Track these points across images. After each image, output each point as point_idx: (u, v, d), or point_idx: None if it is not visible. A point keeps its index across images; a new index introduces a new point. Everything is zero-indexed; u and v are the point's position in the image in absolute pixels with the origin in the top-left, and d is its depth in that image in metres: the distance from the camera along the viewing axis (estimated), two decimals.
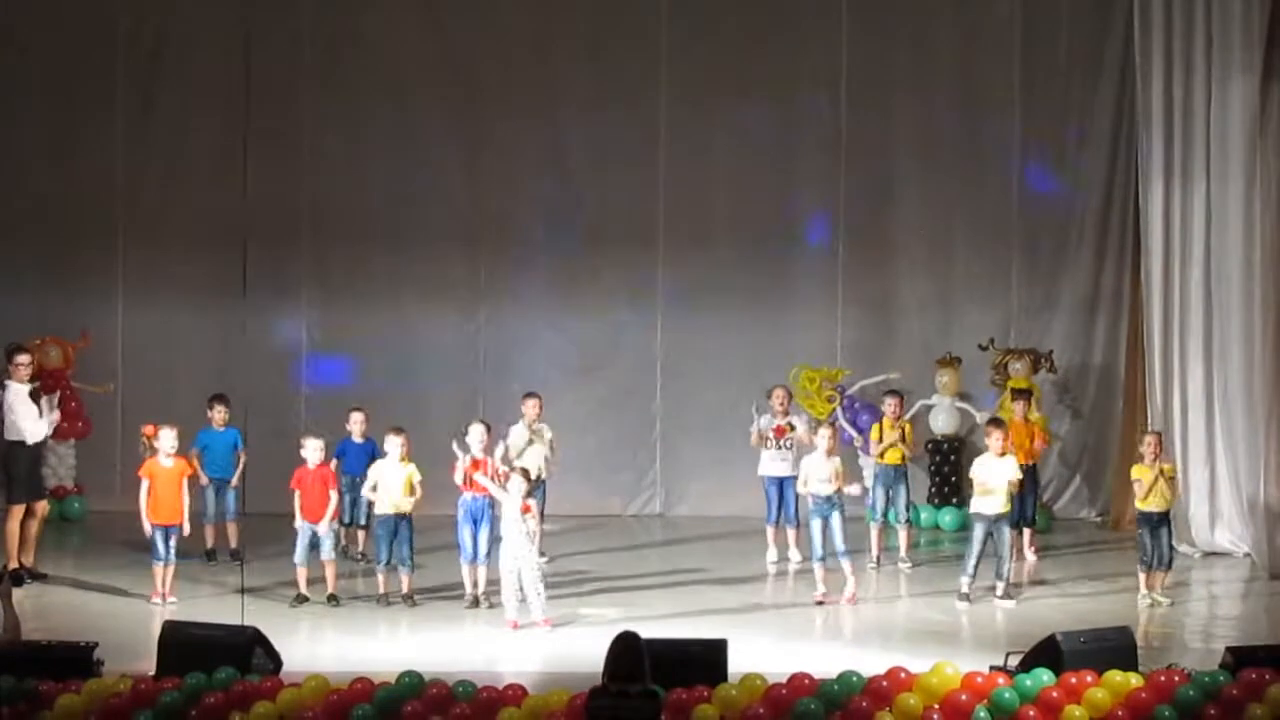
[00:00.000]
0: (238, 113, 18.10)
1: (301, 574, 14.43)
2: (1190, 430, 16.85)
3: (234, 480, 15.96)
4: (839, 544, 14.59)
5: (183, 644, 11.78)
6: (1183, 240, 16.95)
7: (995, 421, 15.34)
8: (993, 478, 14.59)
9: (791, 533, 16.25)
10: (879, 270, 18.96)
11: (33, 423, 15.19)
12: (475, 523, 14.35)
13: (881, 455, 16.43)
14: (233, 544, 15.92)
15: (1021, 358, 18.10)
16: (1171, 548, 14.98)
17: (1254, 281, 16.22)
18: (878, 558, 16.19)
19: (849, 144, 18.83)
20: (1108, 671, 11.43)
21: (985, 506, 14.61)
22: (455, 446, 14.29)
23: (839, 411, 17.73)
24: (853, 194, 18.90)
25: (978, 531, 14.63)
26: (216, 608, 13.80)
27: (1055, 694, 11.23)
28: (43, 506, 15.49)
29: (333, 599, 14.39)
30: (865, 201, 18.90)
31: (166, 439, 14.43)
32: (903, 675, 11.36)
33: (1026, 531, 16.48)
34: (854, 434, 17.47)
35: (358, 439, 15.54)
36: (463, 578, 14.46)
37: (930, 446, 18.33)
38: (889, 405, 16.60)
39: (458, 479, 14.33)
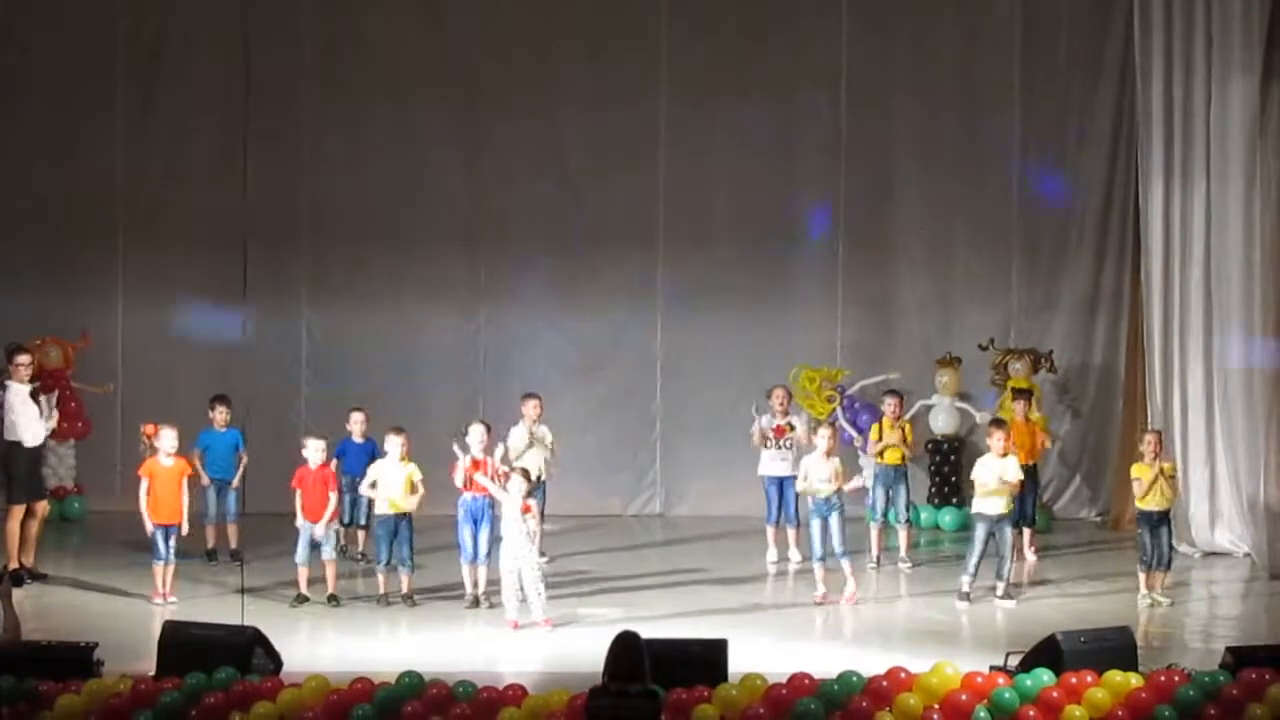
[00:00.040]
0: (238, 113, 18.12)
1: (303, 574, 14.42)
2: (1190, 430, 16.86)
3: (235, 481, 15.95)
4: (838, 544, 14.59)
5: (183, 644, 11.78)
6: (1183, 240, 16.95)
7: (997, 422, 15.35)
8: (994, 478, 14.59)
9: (791, 533, 16.25)
10: (879, 270, 18.96)
11: (34, 424, 15.18)
12: (475, 523, 14.35)
13: (881, 455, 16.43)
14: (233, 544, 15.91)
15: (1021, 358, 18.10)
16: (1171, 547, 14.98)
17: (1254, 282, 16.22)
18: (878, 558, 16.20)
19: (849, 144, 18.84)
20: (1108, 671, 11.43)
21: (987, 506, 14.62)
22: (456, 447, 14.29)
23: (839, 411, 17.73)
24: (853, 194, 18.90)
25: (980, 531, 14.63)
26: (217, 608, 13.80)
27: (1055, 694, 11.23)
28: (43, 507, 15.48)
29: (333, 599, 14.39)
30: (865, 201, 18.91)
31: (167, 438, 14.43)
32: (903, 675, 11.36)
33: (1027, 531, 16.47)
34: (854, 434, 17.46)
35: (358, 439, 15.54)
36: (463, 578, 14.46)
37: (930, 446, 18.34)
38: (889, 405, 16.61)
39: (458, 480, 14.33)
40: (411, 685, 11.16)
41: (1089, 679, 11.34)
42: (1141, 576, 14.75)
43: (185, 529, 14.47)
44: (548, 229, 18.87)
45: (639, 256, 18.85)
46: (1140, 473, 14.65)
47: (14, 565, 14.54)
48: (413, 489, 14.32)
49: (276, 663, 11.98)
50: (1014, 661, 11.82)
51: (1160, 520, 14.66)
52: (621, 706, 8.57)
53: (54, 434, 16.06)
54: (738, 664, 11.54)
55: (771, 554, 16.30)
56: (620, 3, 18.83)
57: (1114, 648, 11.84)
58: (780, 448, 16.20)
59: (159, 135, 18.70)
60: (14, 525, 15.10)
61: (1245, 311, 16.40)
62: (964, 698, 11.17)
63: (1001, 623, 14.20)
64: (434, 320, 18.88)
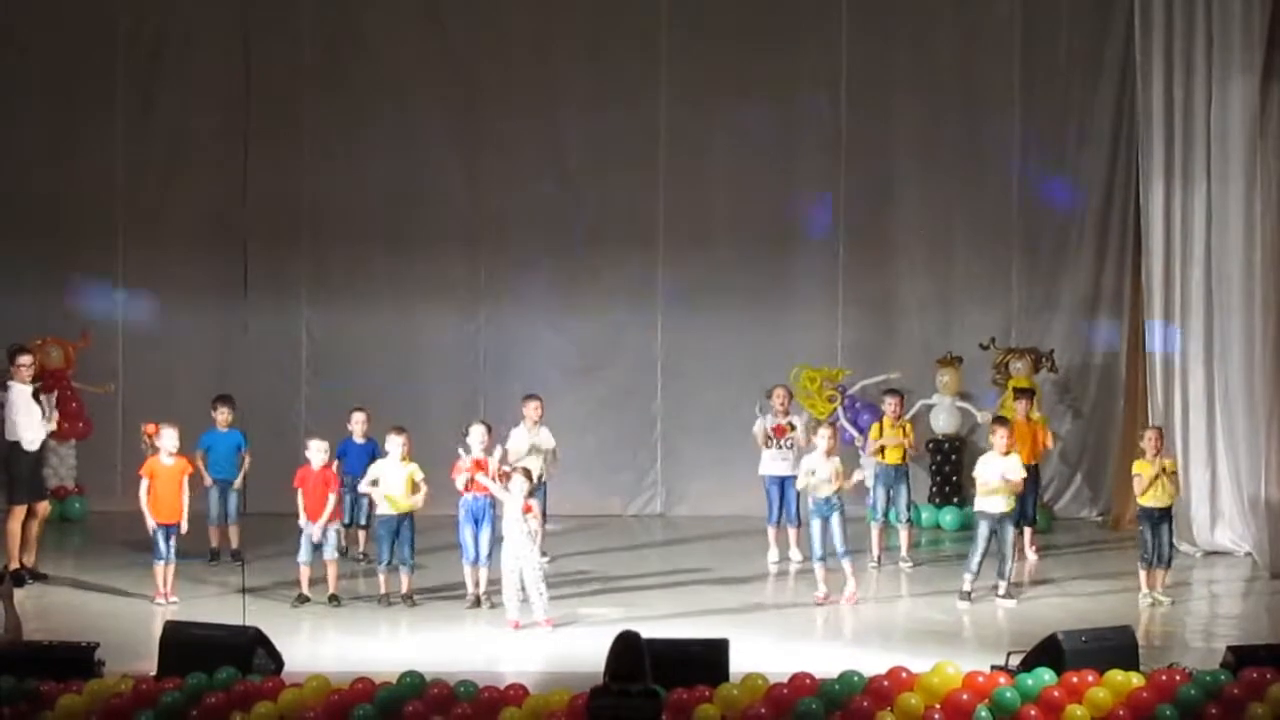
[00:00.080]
0: (238, 113, 18.23)
1: (304, 573, 14.42)
2: (1191, 430, 16.86)
3: (237, 482, 15.93)
4: (839, 544, 14.59)
5: (184, 644, 11.78)
6: (1183, 240, 16.96)
7: (1000, 420, 15.35)
8: (995, 476, 14.58)
9: (792, 532, 16.25)
10: (879, 270, 18.96)
11: (35, 425, 15.16)
12: (476, 523, 14.35)
13: (881, 454, 16.42)
14: (234, 545, 15.90)
15: (1022, 357, 18.11)
16: (1172, 545, 14.99)
17: (1254, 282, 16.22)
18: (878, 557, 16.20)
19: (849, 144, 18.84)
20: (1109, 671, 11.43)
21: (990, 505, 14.61)
22: (460, 450, 14.28)
23: (839, 411, 17.74)
24: (853, 194, 18.90)
25: (982, 530, 14.63)
26: (218, 608, 13.80)
27: (1057, 693, 11.23)
28: (44, 507, 15.47)
29: (334, 599, 14.39)
30: (865, 201, 18.90)
31: (168, 438, 14.43)
32: (904, 675, 11.36)
33: (1027, 531, 16.47)
34: (854, 434, 17.46)
35: (359, 439, 15.53)
36: (464, 578, 14.46)
37: (931, 446, 18.34)
38: (889, 405, 16.61)
39: (459, 483, 14.33)
40: (413, 685, 11.16)
41: (1090, 678, 11.33)
42: (1142, 575, 14.75)
43: (184, 527, 14.46)
44: (548, 229, 18.86)
45: (639, 256, 18.84)
46: (1141, 469, 14.65)
47: (15, 565, 14.56)
48: (414, 488, 14.32)
49: (278, 663, 11.98)
50: (1015, 661, 11.82)
51: (1161, 517, 14.67)
52: (622, 706, 8.56)
53: (54, 434, 16.05)
54: (739, 664, 11.55)
55: (772, 554, 16.31)
56: (620, 3, 18.83)
57: (1115, 647, 11.84)
58: (781, 447, 16.20)
59: (159, 135, 18.69)
60: (15, 525, 15.09)
61: (1245, 311, 16.40)
62: (965, 697, 11.17)
63: (1003, 622, 14.20)
64: (434, 320, 18.88)
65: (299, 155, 18.62)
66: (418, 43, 18.77)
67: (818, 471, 14.58)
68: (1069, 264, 18.83)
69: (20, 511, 15.14)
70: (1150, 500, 14.63)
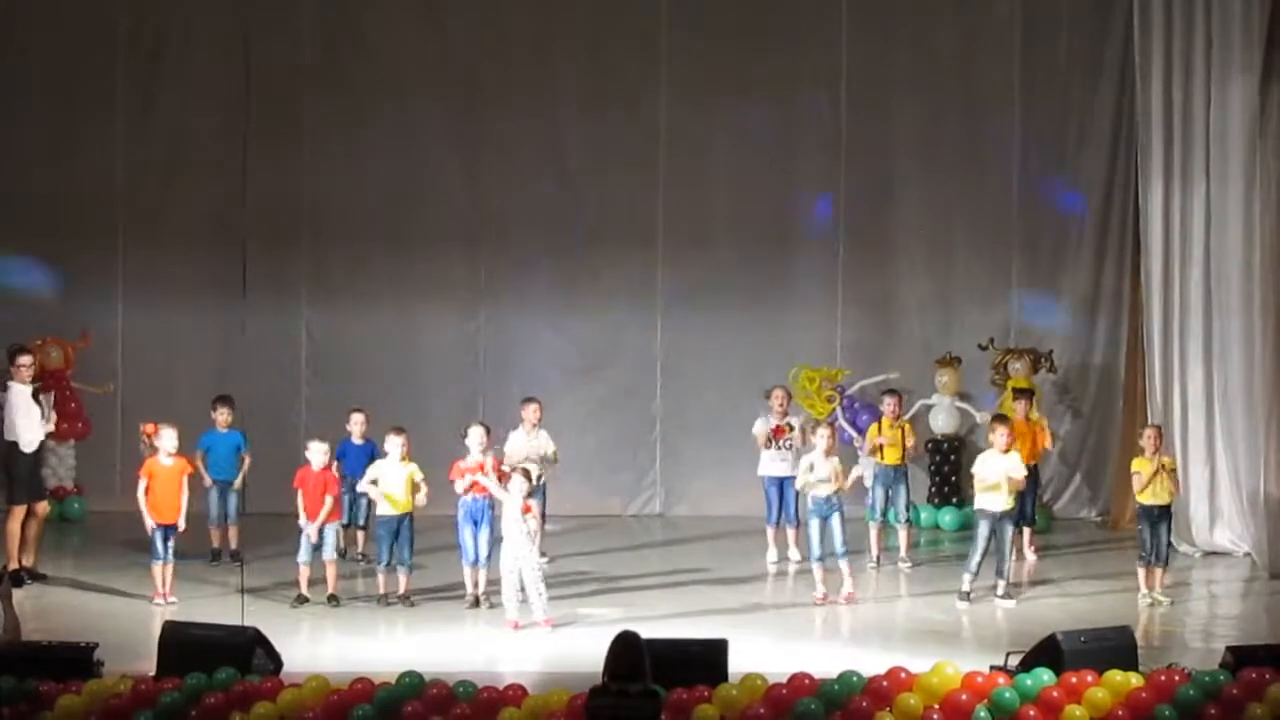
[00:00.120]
0: (238, 113, 18.22)
1: (304, 573, 14.42)
2: (1190, 430, 16.86)
3: (236, 482, 15.93)
4: (838, 545, 14.59)
5: (183, 644, 11.78)
6: (1183, 240, 16.96)
7: (1000, 418, 15.33)
8: (994, 474, 14.57)
9: (791, 533, 16.26)
10: (879, 270, 18.96)
11: (34, 426, 15.15)
12: (475, 524, 14.35)
13: (881, 455, 16.41)
14: (233, 545, 15.90)
15: (1021, 357, 18.10)
16: (1170, 544, 14.99)
17: (1254, 282, 16.22)
18: (878, 558, 16.20)
19: (849, 144, 18.83)
20: (1108, 671, 11.44)
21: (990, 503, 14.61)
22: (479, 455, 14.28)
23: (839, 411, 17.73)
24: (853, 194, 18.90)
25: (982, 528, 14.62)
26: (217, 608, 13.79)
27: (1056, 694, 11.24)
28: (43, 507, 15.46)
29: (333, 599, 14.39)
30: (865, 201, 18.90)
31: (168, 438, 14.42)
32: (903, 675, 11.36)
33: (1026, 531, 16.47)
34: (854, 434, 17.47)
35: (357, 440, 15.53)
36: (464, 578, 14.46)
37: (930, 446, 18.33)
38: (887, 405, 16.60)
39: (458, 487, 14.32)
40: (412, 685, 11.16)
41: (1089, 679, 11.34)
42: (1141, 574, 14.75)
43: (182, 525, 14.45)
44: (548, 229, 18.86)
45: (639, 256, 18.84)
46: (1140, 466, 14.66)
47: (14, 566, 14.57)
48: (414, 489, 14.33)
49: (277, 663, 11.98)
50: (1014, 661, 11.82)
51: (1161, 516, 14.67)
52: (621, 706, 8.57)
53: (53, 434, 16.04)
54: (738, 664, 11.55)
55: (771, 554, 16.31)
56: (620, 3, 18.82)
57: (1114, 647, 11.85)
58: (780, 448, 16.20)
59: (159, 135, 18.68)
60: (14, 526, 15.09)
61: (1245, 312, 16.40)
62: (964, 697, 11.17)
63: (1002, 622, 14.20)
64: (434, 320, 18.87)
65: (299, 155, 18.62)
66: (418, 43, 18.76)
67: (816, 469, 14.57)
68: (1069, 264, 18.83)
69: (19, 512, 15.13)
70: (1149, 498, 14.63)
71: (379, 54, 18.69)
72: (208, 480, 15.79)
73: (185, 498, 14.47)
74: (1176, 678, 11.47)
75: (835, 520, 14.60)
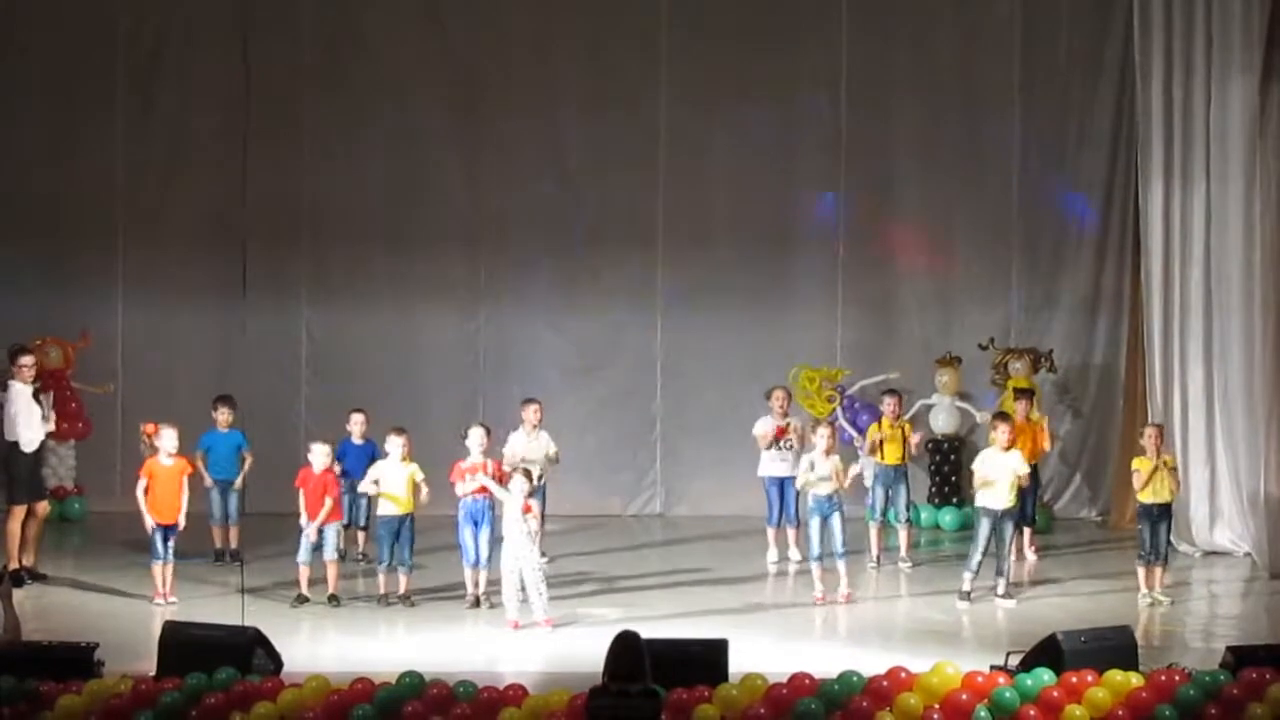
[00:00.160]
0: (238, 113, 18.21)
1: (304, 572, 14.42)
2: (1190, 430, 16.86)
3: (237, 482, 15.92)
4: (838, 545, 14.59)
5: (183, 644, 11.78)
6: (1183, 240, 16.96)
7: (1001, 415, 15.31)
8: (999, 472, 14.56)
9: (792, 533, 16.26)
10: (879, 270, 18.96)
11: (34, 425, 15.15)
12: (476, 524, 14.35)
13: (881, 454, 16.40)
14: (233, 545, 15.90)
15: (1021, 357, 18.10)
16: (1169, 544, 15.00)
17: (1254, 282, 16.22)
18: (878, 557, 16.20)
19: (849, 144, 18.84)
20: (1108, 671, 11.43)
21: (992, 501, 14.60)
22: (479, 456, 14.28)
23: (839, 411, 17.73)
24: (853, 194, 18.90)
25: (983, 527, 14.61)
26: (217, 608, 13.79)
27: (1056, 693, 11.23)
28: (43, 507, 15.46)
29: (333, 599, 14.39)
30: (865, 201, 18.90)
31: (168, 438, 14.41)
32: (903, 675, 11.36)
33: (1027, 531, 16.47)
34: (854, 434, 17.47)
35: (357, 440, 15.52)
36: (464, 579, 14.46)
37: (930, 446, 18.33)
38: (887, 405, 16.60)
39: (459, 490, 14.31)
40: (412, 685, 11.16)
41: (1089, 678, 11.33)
42: (1141, 573, 14.75)
43: (182, 523, 14.44)
44: (548, 229, 18.86)
45: (639, 256, 18.84)
46: (1140, 465, 14.66)
47: (14, 566, 14.56)
48: (415, 489, 14.32)
49: (277, 663, 11.98)
50: (1014, 661, 11.82)
51: (1161, 515, 14.67)
52: (622, 706, 8.57)
53: (54, 434, 16.04)
54: (738, 664, 11.54)
55: (772, 554, 16.31)
56: (620, 3, 18.83)
57: (1114, 647, 11.84)
58: (780, 448, 16.20)
59: (159, 135, 18.69)
60: (14, 526, 15.09)
61: (1245, 311, 16.40)
62: (964, 697, 11.17)
63: (1002, 622, 14.20)
64: (434, 320, 18.88)
65: (299, 155, 18.62)
66: (418, 43, 18.76)
67: (817, 467, 14.57)
68: (1069, 264, 18.84)
69: (20, 512, 15.13)
70: (1149, 497, 14.62)
71: (379, 54, 18.70)
72: (208, 480, 15.79)
73: (185, 498, 14.47)
74: (1177, 678, 11.47)
75: (835, 519, 14.61)
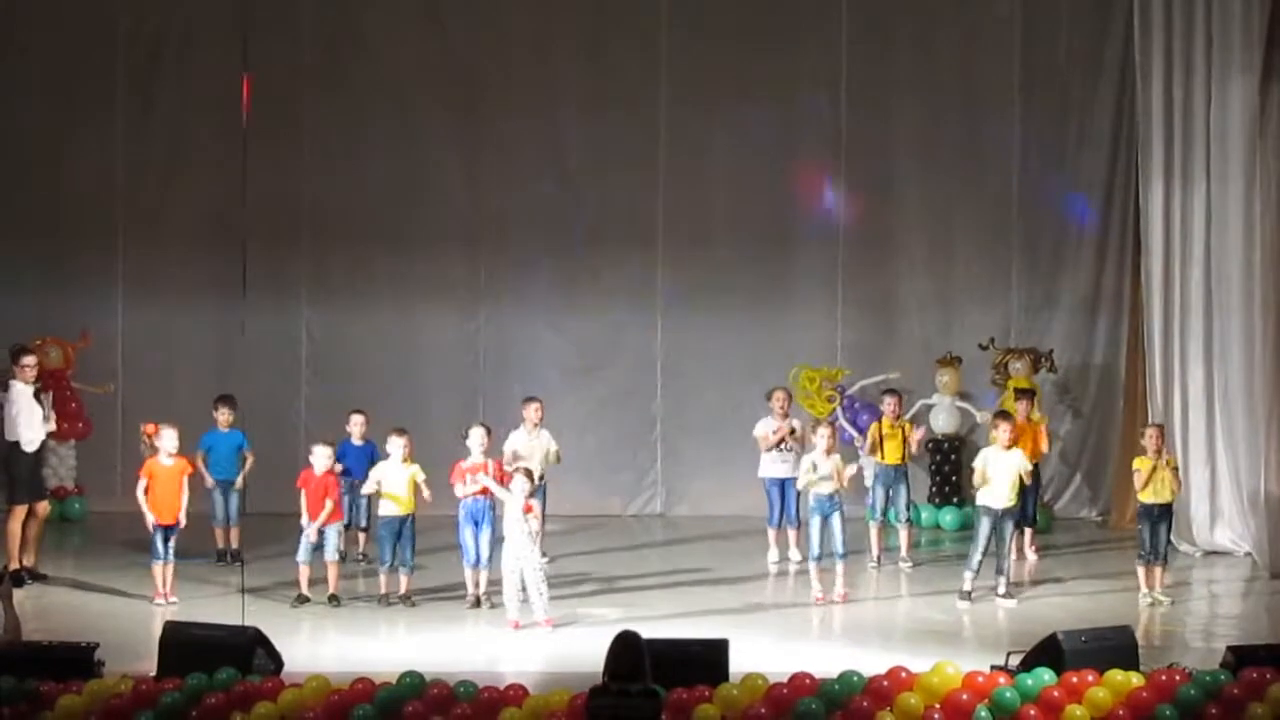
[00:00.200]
0: (238, 113, 18.16)
1: (304, 572, 14.42)
2: (1191, 430, 16.87)
3: (238, 482, 15.92)
4: (838, 544, 14.60)
5: (184, 644, 11.77)
6: (1183, 240, 16.96)
7: (1003, 414, 15.30)
8: (1003, 471, 14.54)
9: (792, 533, 16.26)
10: (879, 270, 18.97)
11: (35, 425, 15.15)
12: (476, 525, 14.35)
13: (881, 453, 16.39)
14: (234, 545, 15.90)
15: (1022, 357, 18.11)
16: (1169, 544, 15.00)
17: (1254, 282, 16.23)
18: (878, 557, 16.20)
19: (849, 144, 18.84)
20: (1109, 671, 11.43)
21: (993, 500, 14.59)
22: (480, 456, 14.27)
23: (839, 411, 17.74)
24: (853, 194, 18.89)
25: (984, 526, 14.61)
26: (218, 608, 13.78)
27: (1056, 693, 11.23)
28: (44, 507, 15.46)
29: (334, 599, 14.39)
30: (865, 202, 18.90)
31: (168, 438, 14.42)
32: (904, 675, 11.36)
33: (1027, 531, 16.47)
34: (854, 434, 17.47)
35: (357, 441, 15.52)
36: (465, 579, 14.46)
37: (930, 446, 18.32)
38: (887, 405, 16.59)
39: (458, 491, 14.31)
40: (412, 685, 11.16)
41: (1090, 678, 11.33)
42: (1141, 573, 14.75)
43: (183, 523, 14.43)
44: (548, 229, 18.86)
45: (639, 256, 18.85)
46: (1141, 464, 14.66)
47: (14, 566, 14.56)
48: (417, 489, 14.33)
49: (277, 663, 11.98)
50: (1015, 661, 11.82)
51: (1161, 515, 14.67)
52: (622, 706, 8.56)
53: (54, 434, 16.04)
54: (739, 664, 11.54)
55: (772, 554, 16.31)
56: (620, 3, 18.84)
57: (1115, 647, 11.84)
58: (781, 449, 16.20)
59: (159, 135, 18.70)
60: (15, 526, 15.09)
61: (1245, 311, 16.41)
62: (965, 697, 11.17)
63: (1002, 622, 14.20)
64: (434, 320, 18.88)
65: (299, 155, 18.63)
66: (418, 43, 18.77)
67: (818, 467, 14.58)
68: (1069, 264, 18.84)
69: (20, 512, 15.13)
70: (1150, 496, 14.62)
71: (379, 54, 18.70)
72: (209, 480, 15.79)
73: (185, 498, 14.47)
74: (1177, 677, 11.47)
75: (836, 519, 14.61)
